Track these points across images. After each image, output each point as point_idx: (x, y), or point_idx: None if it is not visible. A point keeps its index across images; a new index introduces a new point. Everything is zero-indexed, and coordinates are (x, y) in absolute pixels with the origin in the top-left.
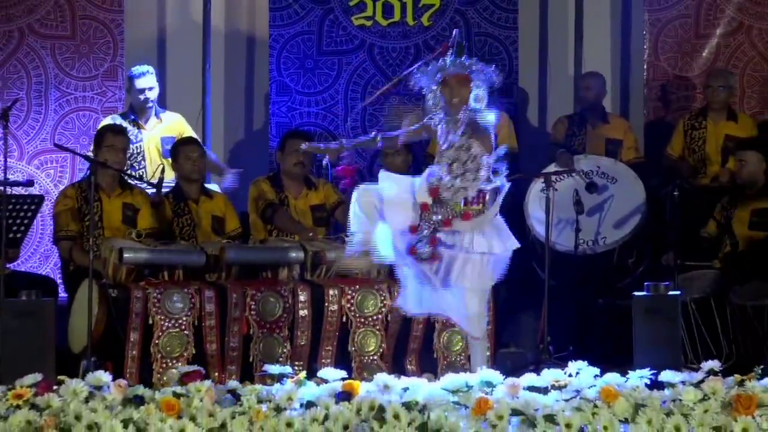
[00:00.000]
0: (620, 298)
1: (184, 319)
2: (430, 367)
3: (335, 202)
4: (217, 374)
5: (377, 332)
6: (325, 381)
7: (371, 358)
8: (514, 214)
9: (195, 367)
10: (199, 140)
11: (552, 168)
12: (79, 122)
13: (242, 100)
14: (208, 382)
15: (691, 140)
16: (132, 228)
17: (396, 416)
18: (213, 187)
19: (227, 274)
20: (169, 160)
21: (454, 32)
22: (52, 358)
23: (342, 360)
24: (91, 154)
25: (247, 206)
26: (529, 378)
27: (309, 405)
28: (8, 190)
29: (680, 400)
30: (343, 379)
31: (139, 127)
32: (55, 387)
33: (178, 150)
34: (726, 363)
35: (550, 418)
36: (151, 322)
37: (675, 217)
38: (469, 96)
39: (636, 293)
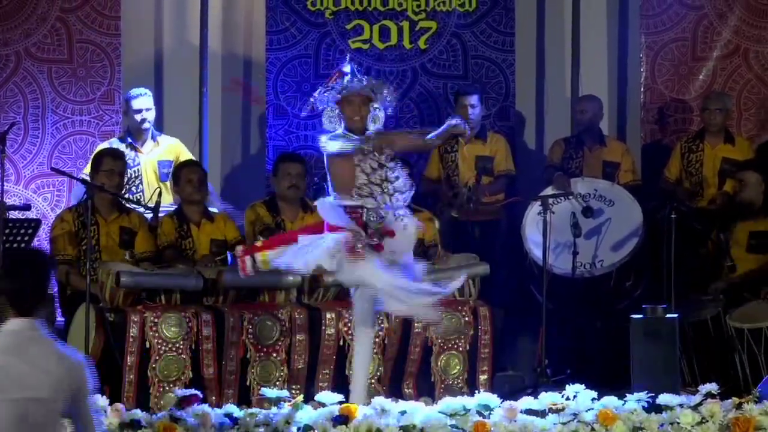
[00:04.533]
0: (618, 321)
1: (182, 342)
2: (427, 391)
3: None
4: (214, 398)
5: (374, 355)
6: (323, 404)
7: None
8: (511, 237)
9: (192, 391)
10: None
11: (549, 191)
12: (76, 146)
13: (239, 123)
14: (205, 406)
15: (689, 163)
16: (128, 250)
17: None
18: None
19: (224, 297)
20: (167, 183)
21: (346, 59)
22: None
23: (339, 383)
24: (87, 177)
25: (244, 230)
26: (526, 401)
27: (306, 429)
28: (5, 214)
29: (678, 422)
30: (341, 402)
31: (136, 151)
32: None
33: (179, 173)
34: (724, 386)
35: None
36: (148, 345)
37: (672, 239)
38: (368, 116)
39: (634, 316)
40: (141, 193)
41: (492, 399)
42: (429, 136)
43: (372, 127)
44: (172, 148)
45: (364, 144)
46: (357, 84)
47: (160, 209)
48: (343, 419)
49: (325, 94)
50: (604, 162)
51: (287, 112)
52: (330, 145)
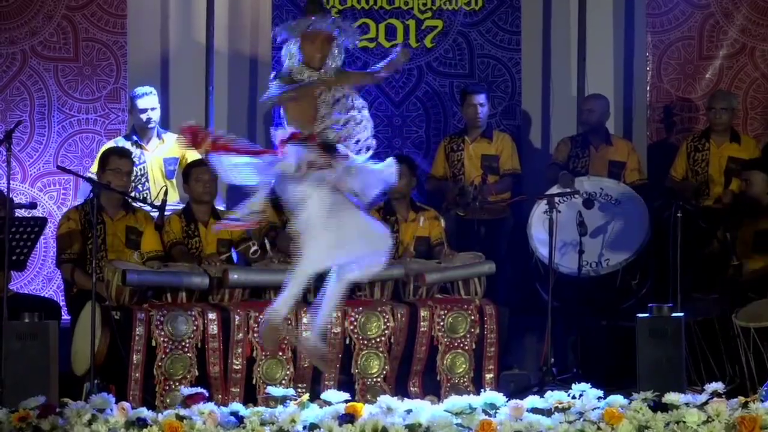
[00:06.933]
0: (624, 320)
1: (188, 341)
2: (433, 390)
3: None
4: (220, 396)
5: (380, 354)
6: (329, 403)
7: (374, 380)
8: (517, 235)
9: (198, 390)
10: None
11: (555, 189)
12: (82, 144)
13: (245, 121)
14: (211, 405)
15: (694, 162)
16: (136, 251)
17: None
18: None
19: (230, 296)
20: (173, 181)
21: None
22: (55, 381)
23: (345, 382)
24: (93, 175)
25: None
26: (532, 400)
27: (312, 427)
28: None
29: (684, 422)
30: (347, 401)
31: (142, 149)
32: (58, 409)
33: (189, 172)
34: (729, 385)
35: None
36: (154, 344)
37: (678, 238)
38: (330, 54)
39: (639, 315)
40: (147, 191)
41: (498, 398)
42: (377, 66)
43: (331, 65)
44: (177, 146)
45: (309, 84)
46: (322, 22)
47: (166, 207)
48: (348, 418)
49: (289, 27)
50: (610, 161)
51: None
52: (271, 88)
